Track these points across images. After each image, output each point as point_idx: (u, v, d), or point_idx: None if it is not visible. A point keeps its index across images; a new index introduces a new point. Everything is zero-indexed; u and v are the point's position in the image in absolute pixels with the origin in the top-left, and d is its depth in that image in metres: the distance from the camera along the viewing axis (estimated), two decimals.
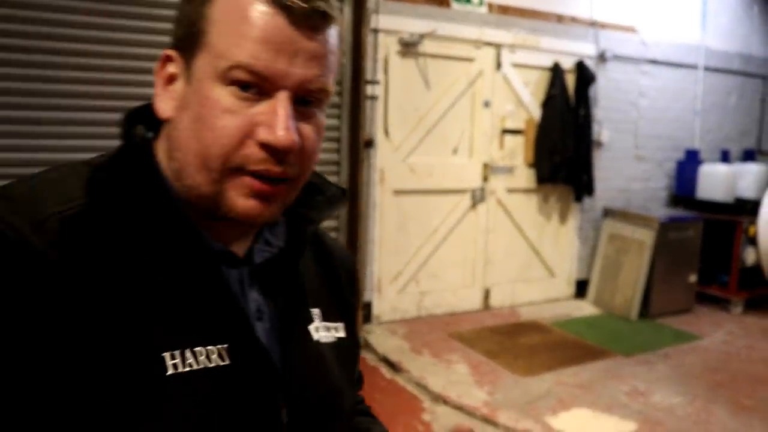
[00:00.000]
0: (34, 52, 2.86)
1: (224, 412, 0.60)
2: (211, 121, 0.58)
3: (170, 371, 0.57)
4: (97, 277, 0.55)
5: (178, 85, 0.62)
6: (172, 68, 0.63)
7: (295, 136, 0.59)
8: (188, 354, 0.58)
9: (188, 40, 0.60)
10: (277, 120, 0.58)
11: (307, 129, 0.62)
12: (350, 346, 0.80)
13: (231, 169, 0.59)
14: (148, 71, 3.05)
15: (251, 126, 0.58)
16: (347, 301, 0.83)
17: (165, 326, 0.58)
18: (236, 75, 0.57)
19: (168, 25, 3.06)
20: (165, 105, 0.63)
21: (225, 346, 0.62)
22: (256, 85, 0.58)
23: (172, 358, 0.57)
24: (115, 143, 0.66)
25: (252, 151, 0.59)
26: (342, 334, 0.78)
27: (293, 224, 0.73)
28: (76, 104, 2.97)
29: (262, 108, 0.59)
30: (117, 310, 0.55)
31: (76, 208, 0.57)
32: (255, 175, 0.60)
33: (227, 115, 0.58)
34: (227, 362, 0.61)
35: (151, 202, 0.61)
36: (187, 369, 0.58)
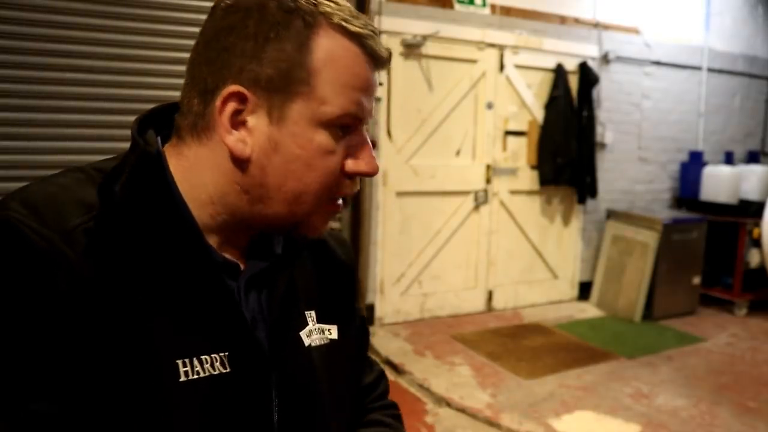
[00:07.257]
0: (27, 54, 2.85)
1: (221, 418, 0.62)
2: (315, 162, 0.63)
3: (182, 378, 0.59)
4: (120, 287, 0.58)
5: (258, 125, 0.62)
6: (236, 104, 0.61)
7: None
8: (196, 362, 0.61)
9: (280, 83, 0.61)
10: (367, 152, 0.66)
11: None
12: (342, 348, 0.79)
13: (324, 201, 0.66)
14: (143, 72, 3.05)
15: (343, 160, 0.65)
16: (344, 302, 0.82)
17: (177, 334, 0.60)
18: (344, 121, 0.63)
19: (165, 26, 3.08)
20: (242, 146, 0.62)
21: (225, 354, 0.63)
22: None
23: (184, 365, 0.60)
24: (110, 144, 0.66)
25: (344, 181, 0.66)
26: (334, 336, 0.77)
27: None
28: (69, 106, 2.95)
29: (350, 141, 0.65)
30: (136, 317, 0.58)
31: (94, 219, 0.60)
32: (341, 199, 0.68)
33: (330, 156, 0.64)
34: (228, 370, 0.63)
35: (162, 215, 0.62)
36: (195, 376, 0.60)
